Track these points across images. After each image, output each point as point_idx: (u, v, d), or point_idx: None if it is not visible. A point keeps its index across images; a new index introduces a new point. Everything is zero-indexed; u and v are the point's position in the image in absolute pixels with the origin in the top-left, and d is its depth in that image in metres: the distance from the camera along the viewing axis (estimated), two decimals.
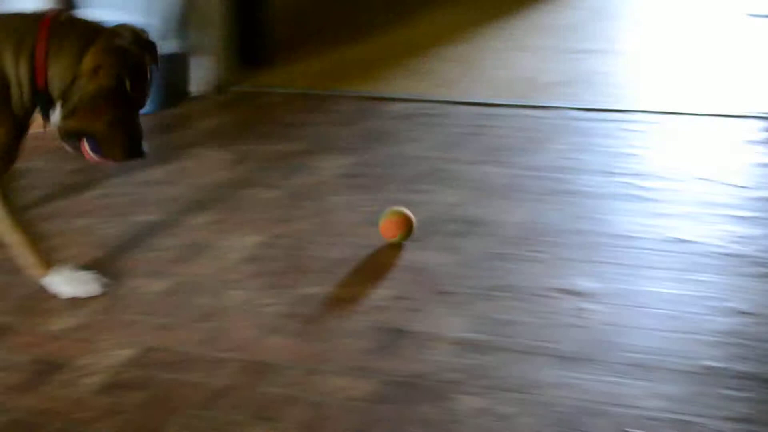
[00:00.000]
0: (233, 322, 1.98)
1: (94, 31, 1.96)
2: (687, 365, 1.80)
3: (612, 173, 2.76)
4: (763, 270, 2.17)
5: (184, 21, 3.59)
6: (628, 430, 1.62)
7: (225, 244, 2.36)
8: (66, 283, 2.05)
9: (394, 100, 3.49)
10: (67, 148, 2.02)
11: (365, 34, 4.52)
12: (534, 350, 1.86)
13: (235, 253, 2.31)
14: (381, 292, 2.11)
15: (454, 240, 2.34)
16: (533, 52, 4.13)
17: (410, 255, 2.27)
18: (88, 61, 1.91)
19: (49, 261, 2.04)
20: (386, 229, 2.28)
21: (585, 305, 2.03)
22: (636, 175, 2.75)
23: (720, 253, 2.25)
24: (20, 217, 2.02)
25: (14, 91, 1.92)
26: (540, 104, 3.41)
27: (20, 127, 1.97)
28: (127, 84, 1.94)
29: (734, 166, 2.83)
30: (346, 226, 2.45)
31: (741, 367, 1.79)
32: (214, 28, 3.76)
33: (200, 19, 3.69)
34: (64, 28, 1.93)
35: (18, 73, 1.91)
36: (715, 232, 2.35)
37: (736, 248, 2.25)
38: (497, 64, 3.96)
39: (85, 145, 2.00)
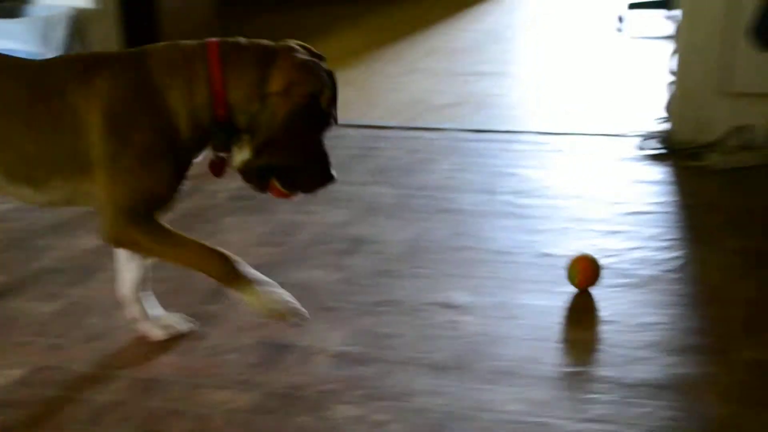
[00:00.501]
0: (122, 341, 2.01)
1: (268, 48, 1.80)
2: (550, 371, 1.89)
3: (493, 192, 2.83)
4: (626, 281, 2.26)
5: (79, 50, 3.62)
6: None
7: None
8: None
9: None
10: (253, 187, 1.86)
11: None
12: (409, 361, 1.93)
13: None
14: None
15: (341, 258, 2.39)
16: (426, 75, 4.19)
17: (297, 273, 2.31)
18: (276, 80, 1.75)
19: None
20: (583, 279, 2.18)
21: (460, 318, 2.10)
22: (516, 193, 2.82)
23: None
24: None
25: (183, 129, 1.77)
26: (430, 126, 3.46)
27: (183, 172, 1.82)
28: (324, 99, 1.78)
29: (607, 183, 2.93)
30: (238, 247, 2.46)
31: (600, 371, 1.89)
32: None
33: (95, 48, 3.73)
34: (235, 50, 1.79)
35: (192, 106, 1.76)
36: (585, 247, 2.42)
37: (603, 261, 2.32)
38: (391, 87, 4.01)
39: (275, 182, 1.84)
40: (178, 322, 2.00)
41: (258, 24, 5.30)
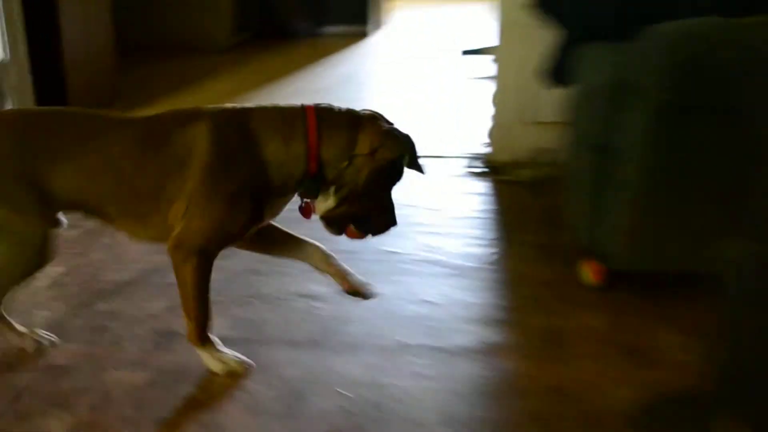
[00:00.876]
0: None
1: (356, 115, 1.80)
2: (387, 343, 2.02)
3: None
4: (446, 271, 2.42)
5: None
6: (338, 390, 1.83)
7: None
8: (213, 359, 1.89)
9: None
10: (331, 231, 1.89)
11: (155, 98, 4.55)
12: (275, 340, 2.05)
13: (41, 281, 2.35)
14: (159, 304, 2.24)
15: (220, 261, 2.37)
16: None
17: None
18: (363, 143, 1.76)
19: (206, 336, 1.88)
20: None
21: (315, 304, 2.22)
22: None
23: (417, 260, 2.49)
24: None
25: (275, 178, 1.77)
26: None
27: (262, 213, 1.82)
28: (406, 161, 1.81)
29: (440, 195, 3.08)
30: (135, 255, 2.54)
31: (425, 341, 2.03)
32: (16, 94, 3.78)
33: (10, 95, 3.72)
34: (329, 114, 1.78)
35: (288, 158, 1.75)
36: (415, 245, 2.57)
37: (428, 256, 2.49)
38: None
39: (352, 227, 1.87)
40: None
41: (150, 72, 5.26)
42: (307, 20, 6.65)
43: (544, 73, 2.81)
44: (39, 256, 1.82)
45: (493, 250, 2.58)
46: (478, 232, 2.72)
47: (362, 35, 6.68)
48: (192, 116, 1.78)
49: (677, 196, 2.05)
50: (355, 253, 2.48)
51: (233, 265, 2.43)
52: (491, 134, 3.47)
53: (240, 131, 1.75)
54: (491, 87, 3.52)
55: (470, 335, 2.05)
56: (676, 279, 2.26)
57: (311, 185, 1.79)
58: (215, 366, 1.87)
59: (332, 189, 1.80)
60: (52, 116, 1.87)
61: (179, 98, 4.51)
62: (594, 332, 2.04)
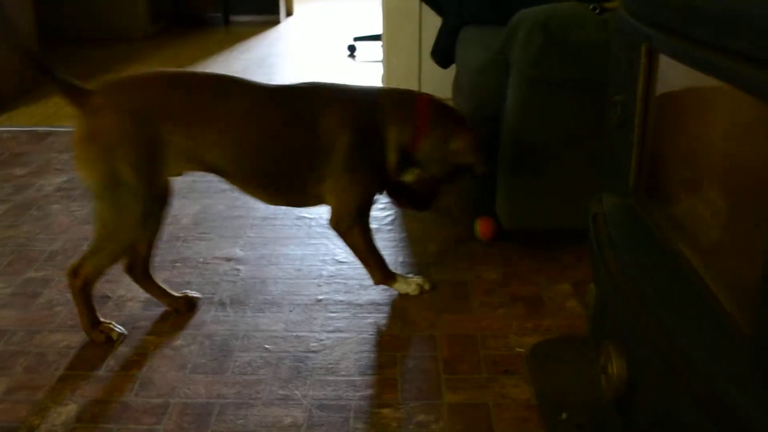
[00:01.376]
0: None
1: (458, 117, 1.87)
2: (305, 300, 1.96)
3: None
4: None
5: None
6: (265, 346, 1.77)
7: None
8: (407, 284, 1.95)
9: None
10: (388, 197, 1.97)
11: (85, 81, 4.36)
12: (200, 301, 1.96)
13: None
14: None
15: None
16: None
17: None
18: (456, 144, 1.83)
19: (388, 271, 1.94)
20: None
21: (237, 267, 2.14)
22: None
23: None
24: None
25: (391, 158, 1.80)
26: None
27: (385, 182, 1.86)
28: (475, 168, 1.87)
29: None
30: (64, 227, 2.42)
31: (339, 297, 1.98)
32: None
33: None
34: (437, 110, 1.83)
35: (399, 140, 1.79)
36: (327, 210, 2.47)
37: None
38: None
39: (402, 198, 1.95)
40: None
41: (71, 59, 5.05)
42: (219, 10, 6.46)
43: (434, 55, 2.79)
44: (144, 223, 1.68)
45: (391, 212, 2.52)
46: (379, 197, 2.65)
47: (273, 24, 6.55)
48: (337, 100, 1.76)
49: (551, 159, 2.05)
50: (275, 219, 2.45)
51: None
52: None
53: (373, 115, 1.77)
54: (380, 68, 3.47)
55: (378, 290, 2.00)
56: (566, 234, 2.25)
57: (402, 163, 1.82)
58: (411, 289, 1.94)
59: (415, 170, 1.85)
60: (191, 78, 1.74)
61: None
62: (494, 285, 2.02)
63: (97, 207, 1.63)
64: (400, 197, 1.95)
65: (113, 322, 1.79)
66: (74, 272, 1.70)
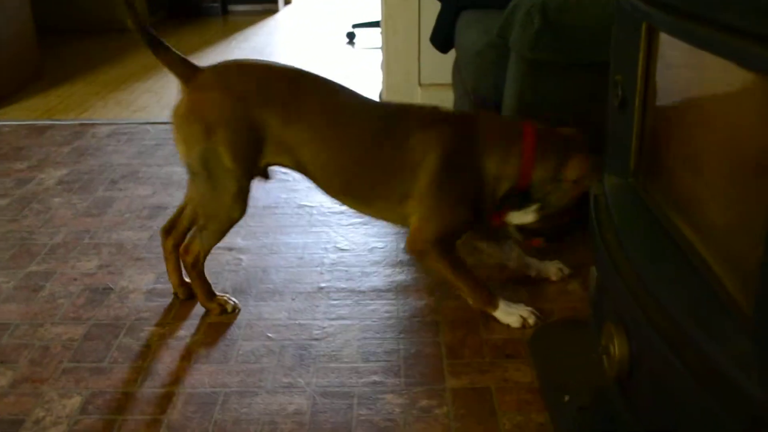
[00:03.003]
0: None
1: (569, 140, 1.70)
2: (306, 288, 1.96)
3: None
4: (355, 221, 2.35)
5: None
6: (268, 334, 1.77)
7: None
8: (508, 315, 1.76)
9: (102, 124, 3.43)
10: (514, 236, 1.85)
11: (78, 75, 4.37)
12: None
13: None
14: (91, 263, 2.12)
15: (147, 221, 2.37)
16: None
17: (114, 235, 2.28)
18: (572, 170, 1.67)
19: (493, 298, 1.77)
20: None
21: (239, 256, 2.13)
22: None
23: (330, 212, 2.41)
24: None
25: (488, 188, 1.68)
26: None
27: (478, 218, 1.73)
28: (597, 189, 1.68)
29: None
30: (66, 220, 2.42)
31: (341, 284, 1.98)
32: None
33: None
34: (546, 136, 1.68)
35: (502, 173, 1.67)
36: (328, 199, 2.48)
37: (340, 208, 2.40)
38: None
39: (539, 238, 1.83)
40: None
41: (71, 51, 5.03)
42: (217, 0, 6.44)
43: (433, 40, 2.79)
44: (239, 203, 1.69)
45: None
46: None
47: (272, 12, 6.53)
48: (431, 120, 1.68)
49: None
50: (277, 207, 2.44)
51: (159, 224, 2.31)
52: (381, 96, 3.38)
53: (469, 141, 1.67)
54: (379, 55, 3.44)
55: (380, 277, 2.01)
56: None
57: (516, 201, 1.70)
58: (511, 321, 1.75)
59: (534, 206, 1.72)
60: (295, 74, 1.72)
61: (102, 73, 4.32)
62: (495, 269, 2.01)
63: (197, 184, 1.67)
64: (529, 235, 1.83)
65: (228, 295, 1.85)
66: (186, 250, 1.76)
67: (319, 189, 1.80)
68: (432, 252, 1.70)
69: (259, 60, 1.77)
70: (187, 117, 1.61)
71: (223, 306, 1.80)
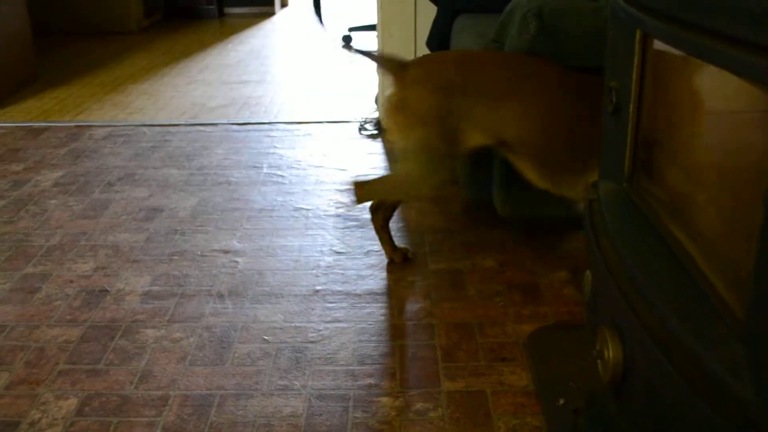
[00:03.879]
0: None
1: None
2: (302, 290, 1.97)
3: (258, 167, 2.85)
4: (353, 223, 2.36)
5: None
6: (264, 337, 1.77)
7: None
8: None
9: (98, 126, 3.43)
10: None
11: (75, 76, 4.36)
12: (197, 293, 1.96)
13: None
14: (87, 265, 2.12)
15: (143, 223, 2.38)
16: (202, 84, 4.14)
17: (110, 237, 2.29)
18: None
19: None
20: None
21: (234, 259, 2.14)
22: (274, 167, 2.85)
23: (326, 215, 2.42)
24: None
25: None
26: (206, 122, 3.43)
27: None
28: None
29: (339, 156, 2.99)
30: (62, 221, 2.42)
31: (337, 287, 1.99)
32: None
33: None
34: None
35: None
36: (325, 202, 2.51)
37: (337, 211, 2.43)
38: (176, 94, 3.95)
39: None
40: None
41: (68, 53, 5.03)
42: (213, 2, 6.44)
43: (429, 44, 2.79)
44: (441, 184, 1.81)
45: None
46: None
47: (268, 15, 6.53)
48: (592, 80, 1.69)
49: None
50: (273, 210, 2.45)
51: (155, 226, 2.35)
52: (377, 100, 3.40)
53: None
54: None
55: (376, 280, 2.01)
56: (562, 222, 2.26)
57: None
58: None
59: None
60: (497, 58, 1.80)
61: (98, 75, 4.32)
62: (491, 273, 2.02)
63: (402, 167, 1.81)
64: None
65: (407, 246, 2.08)
66: (374, 210, 1.99)
67: (516, 168, 1.83)
68: None
69: (459, 50, 1.83)
70: (401, 106, 1.76)
71: (405, 254, 2.05)
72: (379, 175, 2.00)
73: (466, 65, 1.76)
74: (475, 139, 1.77)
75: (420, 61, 1.80)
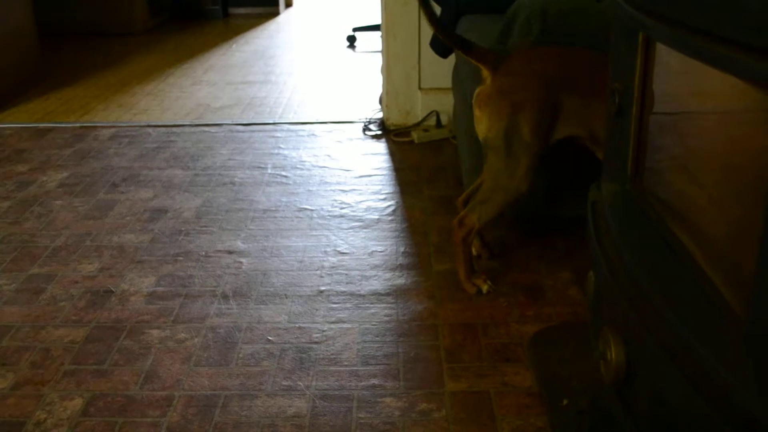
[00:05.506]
0: None
1: None
2: (306, 291, 1.97)
3: (262, 167, 2.85)
4: (358, 224, 2.36)
5: None
6: (264, 336, 1.78)
7: None
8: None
9: (103, 127, 3.43)
10: None
11: (80, 77, 4.37)
12: (202, 294, 1.96)
13: None
14: (93, 266, 2.13)
15: (148, 224, 2.38)
16: (207, 85, 4.14)
17: (115, 237, 2.29)
18: None
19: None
20: None
21: (239, 260, 2.14)
22: (278, 167, 2.86)
23: (330, 216, 2.42)
24: None
25: None
26: (211, 123, 3.43)
27: None
28: None
29: (343, 157, 2.99)
30: (67, 222, 2.42)
31: (341, 288, 1.99)
32: None
33: None
34: None
35: None
36: (328, 202, 2.51)
37: (340, 212, 2.43)
38: (180, 94, 3.95)
39: None
40: None
41: (73, 54, 5.04)
42: (218, 2, 6.45)
43: (433, 45, 2.79)
44: (530, 176, 1.80)
45: (392, 202, 2.53)
46: (378, 188, 2.69)
47: (273, 15, 6.54)
48: None
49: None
50: (277, 211, 2.44)
51: (160, 227, 2.35)
52: (381, 100, 3.40)
53: None
54: (379, 59, 3.45)
55: (380, 280, 2.01)
56: (565, 222, 2.26)
57: None
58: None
59: None
60: (592, 55, 1.80)
61: (103, 76, 4.33)
62: (494, 273, 2.02)
63: (491, 159, 1.80)
64: None
65: (484, 277, 1.95)
66: (460, 222, 1.87)
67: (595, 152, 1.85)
68: None
69: (555, 46, 1.89)
70: (495, 97, 1.77)
71: (479, 287, 1.92)
72: (473, 190, 1.95)
73: (565, 60, 1.80)
74: (566, 130, 1.79)
75: (521, 53, 1.84)
